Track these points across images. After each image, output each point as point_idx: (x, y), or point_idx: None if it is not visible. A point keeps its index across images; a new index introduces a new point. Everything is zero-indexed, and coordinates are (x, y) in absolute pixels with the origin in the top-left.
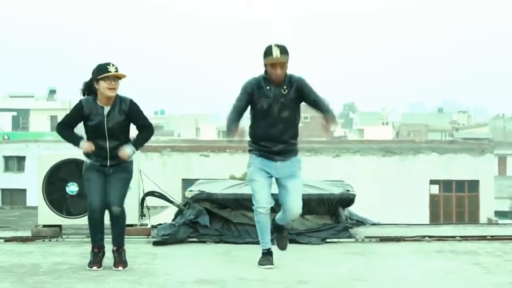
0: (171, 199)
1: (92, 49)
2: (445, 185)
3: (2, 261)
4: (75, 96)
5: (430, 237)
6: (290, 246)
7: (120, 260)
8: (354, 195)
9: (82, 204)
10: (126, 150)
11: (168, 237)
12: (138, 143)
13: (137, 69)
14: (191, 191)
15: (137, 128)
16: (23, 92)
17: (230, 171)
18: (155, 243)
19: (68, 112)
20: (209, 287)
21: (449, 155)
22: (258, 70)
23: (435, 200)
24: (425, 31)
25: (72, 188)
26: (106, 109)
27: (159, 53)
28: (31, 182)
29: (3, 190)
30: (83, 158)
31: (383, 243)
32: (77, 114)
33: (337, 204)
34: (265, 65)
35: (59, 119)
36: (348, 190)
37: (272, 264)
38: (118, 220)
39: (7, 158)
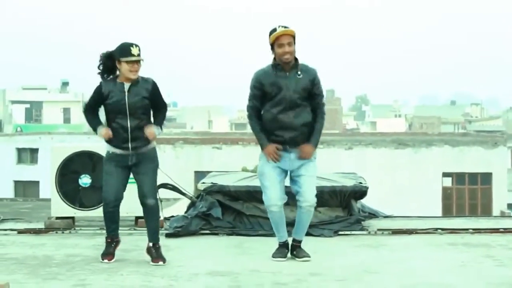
0: (183, 191)
1: (104, 42)
2: (458, 177)
3: (15, 252)
4: (88, 88)
5: (442, 229)
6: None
7: (158, 255)
8: (367, 188)
9: (95, 196)
10: (153, 129)
11: (180, 229)
12: (161, 123)
13: (150, 62)
14: (203, 183)
15: (155, 109)
16: (36, 84)
17: (243, 163)
18: (168, 235)
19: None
20: (222, 279)
21: (462, 147)
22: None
23: (447, 192)
24: (438, 23)
25: (85, 180)
26: (127, 85)
27: (171, 46)
28: (44, 174)
29: (16, 182)
30: (102, 148)
31: (395, 235)
32: (98, 95)
33: (350, 196)
34: (272, 46)
35: (72, 112)
36: (360, 183)
37: (285, 257)
38: (154, 213)
39: (20, 150)
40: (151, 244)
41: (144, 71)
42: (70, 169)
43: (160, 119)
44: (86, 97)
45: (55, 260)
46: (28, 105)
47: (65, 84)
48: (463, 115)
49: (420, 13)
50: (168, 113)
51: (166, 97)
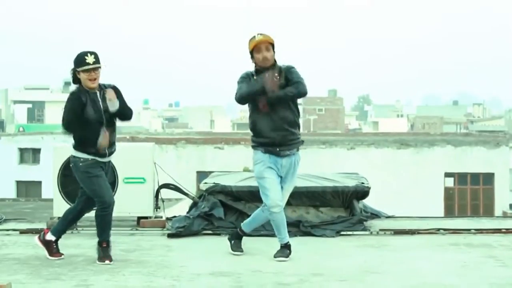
0: (185, 191)
1: (105, 42)
2: (460, 177)
3: (17, 253)
4: None
5: (444, 230)
6: (305, 239)
7: (105, 254)
8: (369, 188)
9: None
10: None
11: (182, 230)
12: (124, 106)
13: (152, 62)
14: (205, 183)
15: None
16: (38, 84)
17: (245, 163)
18: (170, 235)
19: (66, 108)
20: (224, 279)
21: (464, 147)
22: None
23: (449, 193)
24: (441, 22)
25: None
26: (98, 93)
27: (173, 46)
28: (46, 174)
29: (18, 182)
30: (77, 154)
31: (397, 235)
32: (78, 104)
33: (352, 196)
34: (251, 54)
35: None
36: (362, 183)
37: (287, 257)
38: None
39: (22, 150)
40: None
41: (148, 72)
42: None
43: (124, 108)
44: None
45: (57, 260)
46: (30, 105)
47: (67, 84)
48: (465, 115)
49: (422, 12)
50: (171, 113)
51: (170, 97)
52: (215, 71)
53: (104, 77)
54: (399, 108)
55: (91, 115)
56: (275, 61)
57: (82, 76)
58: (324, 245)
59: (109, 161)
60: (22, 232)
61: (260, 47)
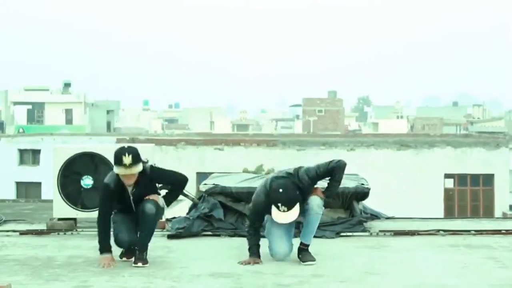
0: (185, 192)
1: (105, 43)
2: (460, 179)
3: (17, 254)
4: (90, 90)
5: (444, 231)
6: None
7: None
8: (369, 189)
9: (96, 197)
10: (159, 200)
11: (182, 231)
12: (169, 200)
13: (152, 63)
14: (205, 184)
15: (168, 185)
16: (38, 85)
17: (244, 164)
18: (170, 237)
19: (100, 197)
20: (224, 280)
21: (464, 148)
22: (272, 63)
23: (449, 194)
24: (440, 23)
25: (87, 181)
26: (130, 189)
27: (173, 47)
28: (46, 175)
29: (18, 183)
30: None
31: (397, 237)
32: (110, 196)
33: (352, 197)
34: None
35: (74, 113)
36: (362, 184)
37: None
38: (148, 219)
39: (22, 151)
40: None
41: (148, 73)
42: (72, 170)
43: (170, 196)
44: (88, 98)
45: (57, 261)
46: (30, 106)
47: (67, 85)
48: (465, 116)
49: (422, 14)
50: (170, 114)
51: (170, 98)
52: (215, 72)
53: (106, 80)
54: (399, 109)
55: (119, 204)
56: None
57: (119, 172)
58: (324, 246)
59: None
60: (22, 233)
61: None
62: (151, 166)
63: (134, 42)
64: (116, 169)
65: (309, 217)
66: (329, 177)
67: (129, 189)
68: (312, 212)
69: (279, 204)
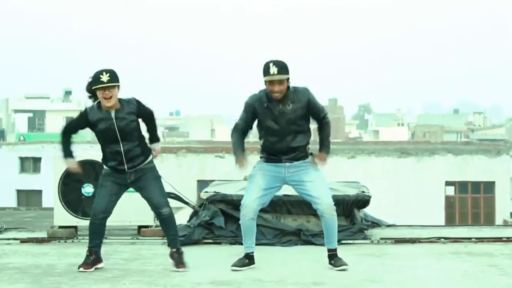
0: (186, 200)
1: (106, 50)
2: (461, 186)
3: (18, 262)
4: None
5: (445, 238)
6: (305, 248)
7: (181, 261)
8: (370, 197)
9: None
10: (157, 147)
11: (183, 238)
12: (156, 133)
13: (153, 70)
14: (206, 192)
15: (145, 120)
16: (39, 93)
17: (245, 172)
18: None
19: (73, 117)
20: None
21: (465, 156)
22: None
23: (450, 201)
24: (441, 31)
25: (87, 189)
26: (113, 112)
27: (174, 53)
28: (47, 183)
29: (19, 191)
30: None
31: (398, 244)
32: (82, 121)
33: (353, 205)
34: (265, 82)
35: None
36: (363, 192)
37: (242, 267)
38: (171, 220)
39: (23, 159)
40: (174, 250)
41: (148, 80)
42: (73, 178)
43: (154, 130)
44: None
45: (58, 269)
46: (31, 114)
47: (68, 93)
48: (466, 124)
49: (422, 21)
50: (171, 122)
51: (171, 106)
52: (215, 79)
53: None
54: (399, 117)
55: (102, 134)
56: (288, 87)
57: (98, 95)
58: (325, 254)
59: (141, 170)
60: (23, 241)
61: (273, 82)
62: (134, 97)
63: (134, 49)
64: (95, 86)
65: (326, 222)
66: (319, 132)
67: (112, 114)
68: (326, 215)
69: (270, 65)
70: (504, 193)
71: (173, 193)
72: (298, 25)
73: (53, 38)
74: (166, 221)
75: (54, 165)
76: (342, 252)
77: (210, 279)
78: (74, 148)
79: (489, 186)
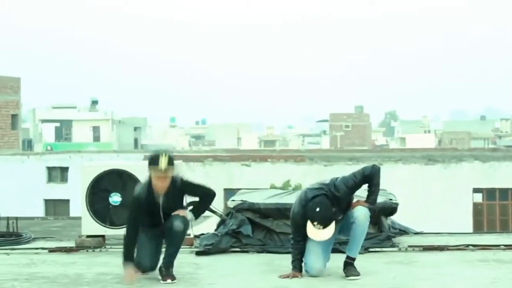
0: (213, 209)
1: (131, 62)
2: (489, 193)
3: (46, 271)
4: (117, 107)
5: (474, 246)
6: (333, 256)
7: (168, 273)
8: (397, 204)
9: (125, 214)
10: (187, 214)
11: (211, 247)
12: (197, 213)
13: (180, 80)
14: (233, 200)
15: (197, 196)
16: (66, 103)
17: (272, 180)
18: (198, 253)
19: (130, 209)
20: None
21: (492, 163)
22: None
23: (478, 208)
24: (468, 37)
25: (115, 198)
26: (161, 198)
27: (200, 64)
28: (74, 192)
29: (46, 200)
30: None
31: (426, 252)
32: (138, 212)
33: (380, 213)
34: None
35: (101, 130)
36: (390, 199)
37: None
38: (178, 236)
39: (50, 169)
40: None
41: (175, 90)
42: (100, 187)
43: (198, 209)
44: (115, 116)
45: (86, 278)
46: (58, 124)
47: (94, 102)
48: (493, 130)
49: (448, 27)
50: (197, 131)
51: (196, 115)
52: (241, 88)
53: (132, 97)
54: (426, 124)
55: (148, 215)
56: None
57: (153, 174)
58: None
59: None
60: (51, 250)
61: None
62: (181, 177)
63: (158, 60)
64: (152, 171)
65: (356, 229)
66: (367, 184)
67: (160, 199)
68: (359, 223)
69: (315, 223)
70: None
71: None
72: (325, 34)
73: (78, 52)
74: (173, 234)
75: (82, 175)
76: (370, 259)
77: None
78: (106, 168)
79: None
